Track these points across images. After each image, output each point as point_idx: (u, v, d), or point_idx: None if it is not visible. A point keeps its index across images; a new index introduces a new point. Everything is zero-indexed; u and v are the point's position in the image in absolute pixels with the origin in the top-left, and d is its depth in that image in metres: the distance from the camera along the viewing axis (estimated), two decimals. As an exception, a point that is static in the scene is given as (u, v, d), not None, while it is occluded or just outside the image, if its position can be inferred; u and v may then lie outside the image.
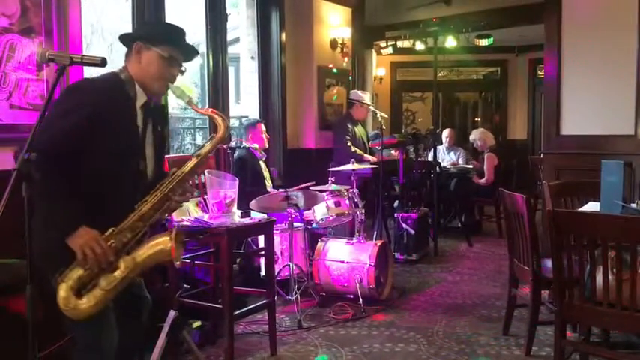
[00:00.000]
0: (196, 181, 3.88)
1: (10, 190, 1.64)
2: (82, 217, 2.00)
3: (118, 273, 2.04)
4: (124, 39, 2.24)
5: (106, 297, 2.03)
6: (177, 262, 2.19)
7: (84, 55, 2.04)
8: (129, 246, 2.10)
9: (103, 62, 2.02)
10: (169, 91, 2.29)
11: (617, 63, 4.61)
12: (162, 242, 2.12)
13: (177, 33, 2.30)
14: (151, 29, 2.27)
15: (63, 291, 1.97)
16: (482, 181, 7.11)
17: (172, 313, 3.02)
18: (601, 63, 4.69)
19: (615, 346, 3.36)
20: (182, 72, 2.29)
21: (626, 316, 2.68)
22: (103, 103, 2.07)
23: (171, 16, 4.51)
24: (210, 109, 2.49)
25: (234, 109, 6.36)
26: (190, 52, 2.32)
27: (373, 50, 9.09)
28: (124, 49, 2.25)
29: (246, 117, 6.12)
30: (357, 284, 4.27)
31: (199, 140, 6.79)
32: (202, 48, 8.50)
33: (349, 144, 5.81)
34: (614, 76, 4.63)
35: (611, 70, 4.65)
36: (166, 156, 2.67)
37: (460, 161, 7.56)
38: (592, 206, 3.60)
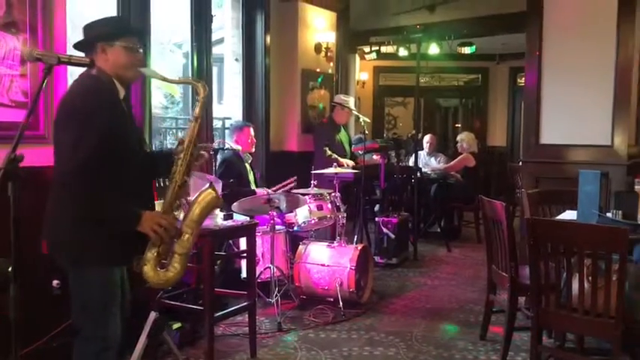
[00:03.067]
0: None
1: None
2: (135, 207, 2.25)
3: (186, 236, 2.33)
4: (83, 44, 2.34)
5: (186, 260, 2.34)
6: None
7: (71, 56, 2.06)
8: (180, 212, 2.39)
9: (91, 63, 2.07)
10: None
11: (596, 75, 4.69)
12: (206, 195, 2.43)
13: (126, 22, 2.56)
14: (105, 28, 2.36)
15: (150, 271, 2.27)
16: (446, 166, 7.34)
17: (153, 315, 3.03)
18: (580, 74, 4.76)
19: (589, 352, 3.43)
20: (143, 52, 2.46)
21: (600, 323, 2.75)
22: (110, 105, 2.24)
23: (156, 16, 4.52)
24: (184, 78, 2.76)
25: (217, 110, 6.34)
26: (142, 33, 2.66)
27: (357, 54, 9.15)
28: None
29: (229, 118, 6.13)
30: (338, 287, 4.29)
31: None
32: (186, 47, 8.51)
33: (325, 148, 5.81)
34: (592, 87, 4.71)
35: (589, 82, 4.73)
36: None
37: (440, 166, 7.64)
38: (569, 214, 3.67)
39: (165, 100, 7.87)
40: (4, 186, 1.69)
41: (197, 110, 2.44)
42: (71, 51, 3.05)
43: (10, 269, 2.51)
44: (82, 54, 2.30)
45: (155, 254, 2.27)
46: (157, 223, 2.23)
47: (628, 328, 2.82)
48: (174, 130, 7.11)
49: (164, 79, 2.55)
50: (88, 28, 2.34)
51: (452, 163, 7.42)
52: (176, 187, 2.34)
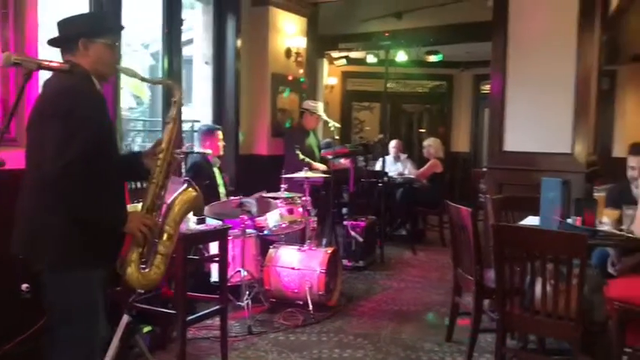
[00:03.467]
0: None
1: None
2: (121, 207, 2.28)
3: (167, 236, 2.36)
4: (61, 40, 2.31)
5: (168, 259, 2.36)
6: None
7: (51, 61, 2.06)
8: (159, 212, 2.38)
9: (71, 69, 2.06)
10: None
11: (557, 85, 4.86)
12: (187, 195, 2.48)
13: (108, 19, 2.55)
14: (88, 24, 2.36)
15: (133, 273, 2.27)
16: (415, 173, 7.49)
17: (126, 318, 3.03)
18: (543, 84, 4.93)
19: (550, 352, 3.57)
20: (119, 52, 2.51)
21: (561, 325, 2.88)
22: (95, 102, 2.23)
23: (128, 18, 4.50)
24: (160, 79, 2.76)
25: (186, 113, 6.33)
26: (120, 29, 2.62)
27: (325, 59, 9.23)
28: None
29: (198, 121, 6.12)
30: (308, 291, 4.35)
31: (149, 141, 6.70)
32: (155, 47, 8.44)
33: (297, 151, 5.88)
34: (554, 97, 4.88)
35: (551, 92, 4.90)
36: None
37: (406, 171, 7.78)
38: (531, 220, 3.81)
39: (133, 101, 7.81)
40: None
41: (174, 112, 2.45)
42: (44, 53, 3.06)
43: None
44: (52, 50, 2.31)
45: (138, 255, 2.28)
46: (142, 223, 2.24)
47: (587, 330, 2.96)
48: (141, 133, 7.08)
49: (142, 79, 2.58)
50: (68, 24, 2.30)
51: (422, 170, 7.53)
52: (157, 188, 2.36)
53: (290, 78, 6.49)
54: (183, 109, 5.52)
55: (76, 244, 2.17)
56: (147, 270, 2.31)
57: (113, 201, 2.26)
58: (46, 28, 3.35)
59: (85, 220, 2.16)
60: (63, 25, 2.31)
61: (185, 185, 2.51)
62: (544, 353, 3.47)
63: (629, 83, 9.57)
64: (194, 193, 2.50)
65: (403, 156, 7.95)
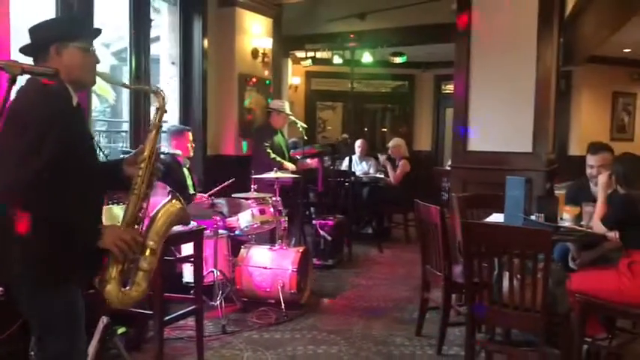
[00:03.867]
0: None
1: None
2: (93, 220, 2.14)
3: (149, 252, 2.21)
4: (33, 47, 2.20)
5: (150, 275, 2.21)
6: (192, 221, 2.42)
7: (35, 66, 2.06)
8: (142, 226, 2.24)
9: (55, 73, 2.04)
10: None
11: (519, 86, 5.05)
12: (171, 207, 2.33)
13: (82, 21, 2.37)
14: (59, 28, 2.26)
15: (113, 290, 2.13)
16: (392, 179, 7.54)
17: (104, 320, 3.04)
18: (505, 86, 5.11)
19: (515, 344, 3.73)
20: (97, 56, 2.31)
21: (528, 317, 3.02)
22: (62, 112, 2.09)
23: (98, 17, 4.48)
24: (142, 86, 2.64)
25: (152, 113, 6.29)
26: (97, 34, 2.36)
27: (289, 59, 9.29)
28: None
29: (165, 121, 6.10)
30: (280, 289, 4.41)
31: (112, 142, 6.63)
32: (117, 46, 8.31)
33: (269, 150, 5.94)
34: (516, 98, 5.07)
35: (513, 93, 5.09)
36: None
37: (371, 170, 7.90)
38: (496, 217, 3.97)
39: (97, 101, 7.70)
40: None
41: (157, 119, 2.33)
42: (16, 57, 3.02)
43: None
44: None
45: (118, 272, 2.14)
46: (119, 238, 2.10)
47: (551, 321, 3.11)
48: (104, 133, 6.98)
49: (124, 86, 2.50)
50: (39, 29, 2.18)
51: (397, 173, 7.56)
52: (138, 199, 2.22)
53: (254, 80, 6.51)
54: (150, 109, 5.56)
55: (45, 258, 2.06)
56: (128, 288, 2.17)
57: (84, 214, 2.11)
58: (19, 34, 3.33)
59: (51, 233, 2.04)
60: (33, 31, 2.19)
61: (169, 197, 2.36)
62: (510, 344, 3.62)
63: (584, 84, 9.95)
64: (179, 206, 2.35)
65: (371, 160, 8.05)
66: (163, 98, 2.36)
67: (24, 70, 1.98)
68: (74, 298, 2.17)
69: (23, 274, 2.08)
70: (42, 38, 2.18)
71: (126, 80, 4.97)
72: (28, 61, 2.21)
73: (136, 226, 2.22)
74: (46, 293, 2.11)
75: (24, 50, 2.22)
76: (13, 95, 1.99)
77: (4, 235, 2.06)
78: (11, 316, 2.94)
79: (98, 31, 2.38)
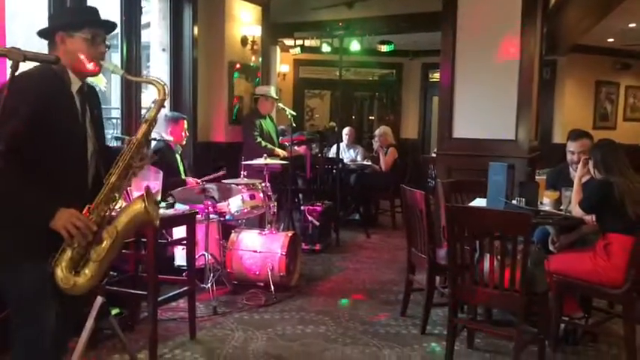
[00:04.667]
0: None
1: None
2: (53, 202, 2.13)
3: (104, 244, 2.21)
4: (44, 33, 2.31)
5: (100, 268, 2.21)
6: (157, 222, 2.41)
7: (37, 53, 2.14)
8: (108, 217, 2.25)
9: (56, 60, 2.12)
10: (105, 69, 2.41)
11: (502, 75, 5.17)
12: (136, 206, 2.28)
13: (92, 13, 2.41)
14: (67, 17, 2.35)
15: (60, 272, 2.14)
16: (383, 166, 7.67)
17: (99, 299, 3.12)
18: (489, 74, 5.23)
19: (496, 323, 3.88)
20: (108, 47, 2.38)
21: (507, 296, 3.16)
22: (45, 95, 2.16)
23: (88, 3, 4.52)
24: (147, 77, 2.70)
25: (142, 100, 6.35)
26: (109, 26, 2.43)
27: (278, 47, 9.34)
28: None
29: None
30: (269, 272, 4.53)
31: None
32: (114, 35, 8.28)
33: (258, 139, 6.03)
34: (499, 86, 5.19)
35: (497, 82, 5.21)
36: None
37: (358, 158, 8.02)
38: (479, 202, 4.11)
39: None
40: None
41: (152, 113, 2.36)
42: (10, 43, 3.09)
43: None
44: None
45: (68, 256, 2.16)
46: (71, 223, 2.10)
47: (529, 300, 3.25)
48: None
49: (129, 78, 2.56)
50: (51, 17, 2.31)
51: (387, 160, 7.68)
52: (108, 189, 2.24)
53: (239, 66, 6.58)
54: (141, 97, 5.62)
55: (4, 237, 2.15)
56: (76, 275, 2.18)
57: (43, 195, 2.12)
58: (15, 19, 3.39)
59: (3, 211, 2.11)
60: (49, 18, 2.34)
61: (141, 194, 2.31)
62: (491, 323, 3.77)
63: (568, 73, 10.12)
64: (142, 207, 2.27)
65: (358, 148, 8.16)
66: (164, 92, 2.39)
67: (26, 56, 2.06)
68: (39, 277, 2.17)
69: None
70: (51, 26, 2.29)
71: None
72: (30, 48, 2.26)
73: (100, 214, 2.21)
74: (10, 270, 2.19)
75: (40, 34, 2.33)
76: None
77: None
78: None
79: (109, 24, 2.44)
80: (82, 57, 2.28)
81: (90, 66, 2.32)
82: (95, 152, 2.38)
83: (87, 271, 2.19)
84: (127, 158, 2.28)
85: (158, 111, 2.39)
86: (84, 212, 2.19)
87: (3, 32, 3.24)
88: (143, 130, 2.34)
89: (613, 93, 10.78)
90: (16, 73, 2.02)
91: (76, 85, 2.32)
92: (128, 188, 3.46)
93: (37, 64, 2.17)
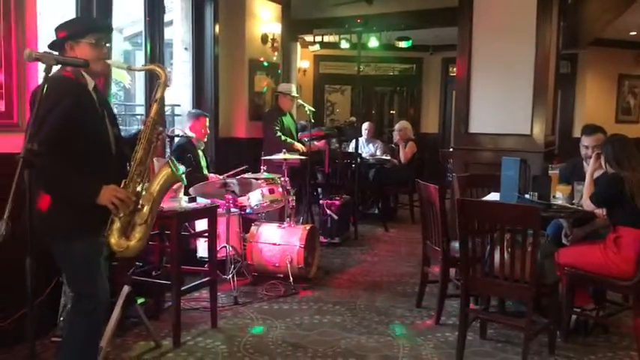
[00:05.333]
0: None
1: (18, 176, 1.90)
2: (95, 183, 2.49)
3: (145, 209, 2.60)
4: (55, 46, 2.60)
5: (147, 229, 2.61)
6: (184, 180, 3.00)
7: (66, 57, 2.32)
8: (142, 186, 2.62)
9: (85, 64, 2.33)
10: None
11: (518, 71, 5.23)
12: (164, 171, 2.70)
13: (91, 20, 2.88)
14: (71, 28, 2.63)
15: (113, 239, 2.53)
16: (402, 158, 7.76)
17: (126, 288, 3.31)
18: (505, 70, 5.29)
19: (509, 314, 3.96)
20: (107, 47, 2.70)
21: (517, 287, 3.25)
22: (75, 94, 2.49)
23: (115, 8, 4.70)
24: (147, 65, 2.95)
25: (166, 96, 6.52)
26: (107, 28, 2.90)
27: (298, 43, 9.46)
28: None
29: (178, 105, 6.35)
30: (288, 264, 4.67)
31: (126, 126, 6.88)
32: (130, 31, 8.51)
33: (279, 134, 6.17)
34: (514, 82, 5.25)
35: (512, 77, 5.27)
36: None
37: (378, 152, 8.11)
38: (493, 196, 4.18)
39: (114, 86, 7.95)
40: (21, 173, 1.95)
41: (158, 93, 2.69)
42: (42, 46, 3.28)
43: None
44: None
45: (117, 225, 2.53)
46: (114, 196, 2.47)
47: (539, 291, 3.34)
48: (119, 117, 7.24)
49: (129, 68, 2.86)
50: (57, 29, 2.59)
51: (407, 154, 7.77)
52: (136, 163, 2.59)
53: (265, 63, 6.73)
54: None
55: (61, 217, 2.48)
56: (127, 239, 2.56)
57: (84, 178, 2.46)
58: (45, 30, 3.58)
59: (55, 196, 2.45)
60: (56, 30, 2.60)
61: (165, 162, 2.77)
62: (504, 314, 3.86)
63: (589, 67, 10.06)
64: (169, 171, 2.69)
65: (378, 143, 8.25)
66: (165, 75, 2.73)
67: (58, 61, 2.24)
68: (92, 251, 2.56)
69: (51, 231, 2.52)
70: (59, 37, 2.59)
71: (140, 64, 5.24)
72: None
73: (137, 186, 2.59)
74: (66, 246, 2.54)
75: (51, 46, 2.62)
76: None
77: (34, 198, 2.37)
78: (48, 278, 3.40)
79: (105, 27, 2.91)
80: (92, 59, 2.54)
81: (99, 66, 2.63)
82: (115, 137, 2.70)
83: (136, 234, 2.58)
84: (147, 135, 2.63)
85: (163, 91, 2.73)
86: (121, 186, 2.54)
87: (35, 35, 3.42)
88: (155, 109, 2.69)
89: (636, 87, 10.67)
90: (43, 81, 2.27)
91: (91, 84, 2.63)
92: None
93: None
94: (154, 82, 5.41)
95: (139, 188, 2.60)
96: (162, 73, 2.72)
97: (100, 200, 2.47)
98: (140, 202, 2.59)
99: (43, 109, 2.23)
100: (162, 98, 2.73)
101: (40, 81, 2.23)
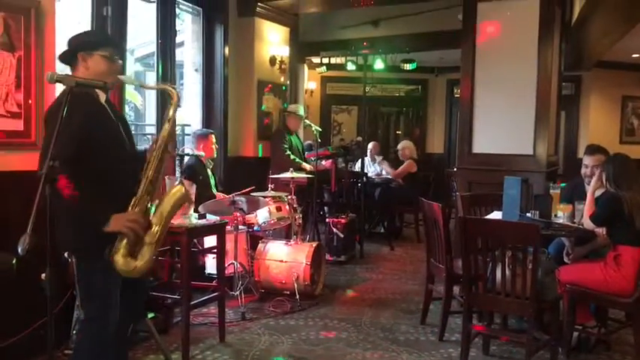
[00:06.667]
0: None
1: (41, 192, 2.01)
2: (106, 210, 2.45)
3: (155, 228, 2.55)
4: (66, 55, 2.63)
5: (155, 249, 2.54)
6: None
7: (86, 79, 2.44)
8: (151, 204, 2.59)
9: (105, 85, 2.43)
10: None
11: (521, 92, 5.35)
12: (177, 191, 2.66)
13: (104, 34, 2.82)
14: (85, 39, 2.67)
15: (120, 258, 2.44)
16: (393, 172, 7.92)
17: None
18: (508, 91, 5.41)
19: (512, 331, 4.03)
20: (120, 63, 2.73)
21: (518, 303, 3.32)
22: (87, 109, 2.49)
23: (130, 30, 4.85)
24: (159, 84, 3.00)
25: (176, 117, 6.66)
26: (119, 44, 2.91)
27: (305, 65, 9.63)
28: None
29: (188, 125, 6.49)
30: (294, 281, 4.75)
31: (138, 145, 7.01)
32: (141, 52, 8.68)
33: (288, 152, 6.29)
34: (517, 102, 5.36)
35: (515, 97, 5.39)
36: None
37: (383, 172, 8.21)
38: (496, 215, 4.26)
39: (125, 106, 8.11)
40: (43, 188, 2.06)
41: (170, 112, 2.70)
42: (60, 68, 3.41)
43: (13, 262, 2.90)
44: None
45: (125, 244, 2.45)
46: (125, 225, 2.43)
47: (540, 307, 3.41)
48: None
49: (141, 85, 2.89)
50: (71, 40, 2.63)
51: (398, 170, 7.93)
52: (147, 182, 2.55)
53: (270, 86, 6.89)
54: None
55: (77, 236, 2.48)
56: (134, 259, 2.48)
57: (99, 203, 2.43)
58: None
59: (69, 214, 2.43)
60: (68, 41, 2.64)
61: (177, 182, 2.78)
62: (506, 331, 3.92)
63: (593, 88, 10.18)
64: (182, 190, 2.65)
65: (379, 158, 8.36)
66: (177, 95, 2.74)
67: (78, 82, 2.36)
68: (108, 274, 2.50)
69: (72, 248, 2.55)
70: (72, 46, 2.62)
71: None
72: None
73: (147, 205, 2.55)
74: (85, 265, 2.54)
75: (61, 57, 2.67)
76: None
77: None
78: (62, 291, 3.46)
79: (120, 44, 2.87)
80: (104, 71, 2.60)
81: (110, 80, 2.63)
82: (130, 150, 2.71)
83: (144, 254, 2.50)
84: (158, 153, 2.61)
85: (175, 111, 2.73)
86: (132, 204, 2.50)
87: (53, 58, 3.56)
88: (167, 128, 2.68)
89: (640, 108, 10.79)
90: (54, 101, 2.42)
91: (102, 97, 2.65)
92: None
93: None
94: (166, 103, 5.60)
95: (148, 206, 2.57)
96: (174, 92, 2.73)
97: (109, 228, 2.42)
98: (152, 220, 2.56)
99: (59, 127, 2.25)
100: (174, 118, 2.74)
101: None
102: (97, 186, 2.46)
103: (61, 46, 3.71)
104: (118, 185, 2.56)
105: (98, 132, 2.50)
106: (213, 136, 5.34)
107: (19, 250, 1.95)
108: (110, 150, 2.55)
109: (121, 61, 2.74)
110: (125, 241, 2.46)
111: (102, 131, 2.53)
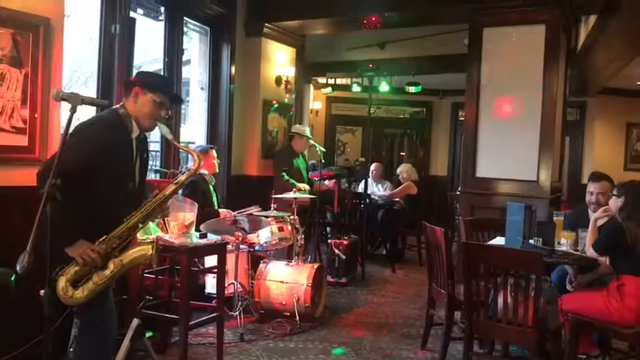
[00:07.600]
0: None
1: (42, 210, 2.01)
2: (80, 232, 2.49)
3: (107, 272, 2.54)
4: (127, 84, 2.76)
5: (96, 290, 2.52)
6: (155, 266, 2.88)
7: (93, 98, 2.45)
8: (117, 250, 2.58)
9: (109, 105, 2.46)
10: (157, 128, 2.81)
11: (525, 117, 5.36)
12: (144, 249, 2.62)
13: (169, 84, 2.85)
14: (149, 78, 2.78)
15: (62, 282, 2.47)
16: (390, 192, 7.91)
17: (135, 321, 3.37)
18: (512, 116, 5.42)
19: (513, 358, 3.98)
20: (168, 115, 2.81)
21: (520, 331, 3.29)
22: (106, 138, 2.56)
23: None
24: (188, 147, 3.00)
25: (181, 134, 6.69)
26: (176, 100, 2.92)
27: (311, 85, 9.69)
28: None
29: (193, 142, 6.51)
30: (295, 303, 4.71)
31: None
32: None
33: (286, 177, 6.26)
34: (522, 128, 5.37)
35: (519, 123, 5.40)
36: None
37: (386, 193, 8.19)
38: (499, 240, 4.24)
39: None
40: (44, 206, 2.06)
41: (183, 178, 2.75)
42: (66, 85, 3.42)
43: (12, 279, 2.89)
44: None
45: (75, 271, 2.48)
46: (86, 253, 2.46)
47: (542, 336, 3.37)
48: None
49: (173, 141, 2.96)
50: (138, 73, 2.78)
51: (396, 190, 7.96)
52: (126, 227, 2.58)
53: (278, 106, 6.92)
54: (179, 129, 5.95)
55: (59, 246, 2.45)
56: (75, 289, 2.49)
57: (76, 219, 2.46)
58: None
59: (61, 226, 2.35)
60: (137, 73, 2.79)
61: (152, 240, 2.69)
62: (508, 358, 3.88)
63: (597, 114, 10.18)
64: (149, 250, 2.60)
65: (383, 181, 8.37)
66: (199, 164, 2.80)
67: (84, 101, 2.37)
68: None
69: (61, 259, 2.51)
70: (136, 79, 2.76)
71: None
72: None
73: (114, 247, 2.55)
74: None
75: (127, 83, 2.82)
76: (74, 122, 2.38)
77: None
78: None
79: (178, 99, 3.12)
80: (146, 113, 2.68)
81: (147, 122, 2.72)
82: (132, 190, 2.74)
83: (85, 289, 2.50)
84: (150, 208, 2.65)
85: (188, 178, 2.78)
86: (99, 241, 2.51)
87: (60, 76, 3.59)
88: (171, 190, 2.72)
89: (645, 135, 10.77)
90: (91, 117, 2.54)
91: (136, 132, 2.73)
92: (165, 219, 3.75)
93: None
94: (171, 120, 5.61)
95: (112, 248, 2.57)
96: (197, 161, 2.79)
97: (71, 251, 2.46)
98: (109, 263, 2.55)
99: (71, 145, 2.34)
100: (183, 183, 2.76)
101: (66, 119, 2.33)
102: (85, 207, 2.49)
103: (68, 63, 3.76)
104: (104, 215, 2.58)
105: (108, 162, 2.56)
106: (214, 150, 5.33)
107: (18, 268, 1.96)
108: (111, 181, 2.60)
109: (166, 113, 2.79)
110: (76, 269, 2.49)
111: (113, 163, 2.58)
